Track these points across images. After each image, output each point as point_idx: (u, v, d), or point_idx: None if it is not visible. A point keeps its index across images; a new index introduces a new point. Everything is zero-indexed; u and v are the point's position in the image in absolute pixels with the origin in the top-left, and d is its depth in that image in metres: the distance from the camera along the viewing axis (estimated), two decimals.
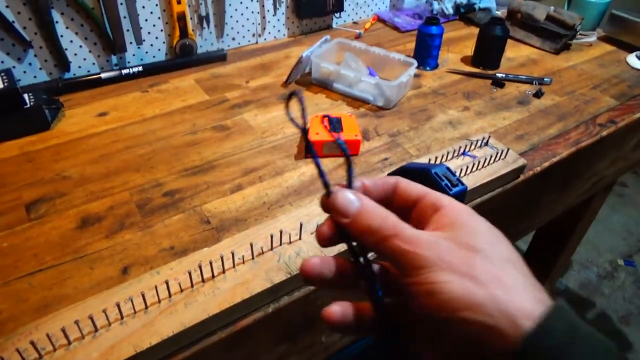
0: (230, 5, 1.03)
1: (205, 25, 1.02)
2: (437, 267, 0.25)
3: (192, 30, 1.00)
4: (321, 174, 0.29)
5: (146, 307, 0.46)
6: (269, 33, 1.13)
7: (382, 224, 0.27)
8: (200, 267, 0.49)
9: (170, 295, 0.48)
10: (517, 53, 1.12)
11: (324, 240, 0.30)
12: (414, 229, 0.27)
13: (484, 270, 0.25)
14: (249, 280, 0.50)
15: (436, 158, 0.68)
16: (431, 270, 0.25)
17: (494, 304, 0.24)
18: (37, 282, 0.52)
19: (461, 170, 0.66)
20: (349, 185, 0.30)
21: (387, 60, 0.95)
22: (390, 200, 0.31)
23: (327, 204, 0.29)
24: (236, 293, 0.49)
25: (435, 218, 0.29)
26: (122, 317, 0.45)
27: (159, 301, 0.47)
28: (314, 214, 0.60)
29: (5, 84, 0.73)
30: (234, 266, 0.51)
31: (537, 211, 0.91)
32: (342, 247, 0.33)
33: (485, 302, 0.24)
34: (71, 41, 0.89)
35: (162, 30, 0.98)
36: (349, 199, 0.29)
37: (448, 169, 0.60)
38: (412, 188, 0.31)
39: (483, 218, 0.29)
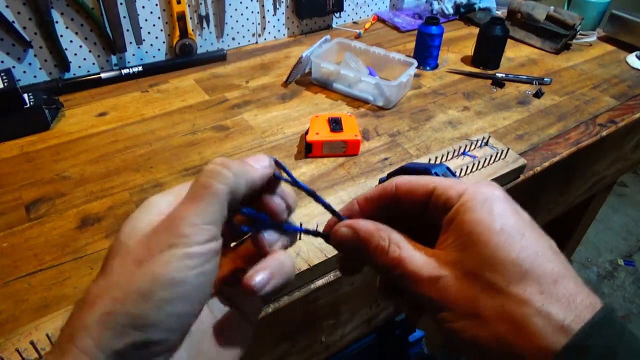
0: (230, 5, 1.03)
1: (205, 25, 1.02)
2: (442, 307, 0.24)
3: (192, 30, 1.00)
4: (308, 232, 0.30)
5: None
6: (269, 33, 1.13)
7: (386, 260, 0.26)
8: None
9: None
10: (517, 53, 1.12)
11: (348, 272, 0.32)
12: (416, 259, 0.25)
13: (488, 305, 0.22)
14: None
15: (436, 158, 0.68)
16: (439, 311, 0.24)
17: (499, 348, 0.22)
18: (37, 282, 0.52)
19: (461, 170, 0.66)
20: (337, 217, 0.30)
21: (387, 60, 0.95)
22: (397, 205, 0.29)
23: (335, 246, 0.29)
24: None
25: (445, 224, 0.26)
26: None
27: None
28: (313, 214, 0.60)
29: (5, 84, 0.73)
30: None
31: (537, 211, 0.91)
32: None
33: (490, 346, 0.22)
34: (71, 41, 0.89)
35: (162, 30, 0.98)
36: (343, 234, 0.28)
37: (448, 169, 0.60)
38: (415, 186, 0.28)
39: (505, 207, 0.25)
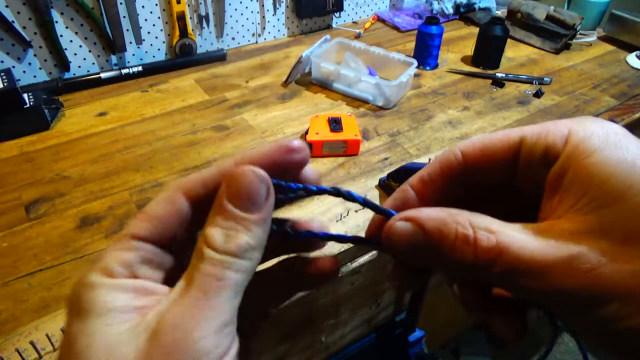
0: (230, 4, 1.03)
1: (205, 25, 1.02)
2: (601, 299, 0.16)
3: (192, 30, 1.00)
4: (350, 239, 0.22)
5: None
6: (269, 33, 1.13)
7: (476, 255, 0.18)
8: None
9: None
10: (517, 53, 1.12)
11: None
12: (526, 242, 0.17)
13: None
14: None
15: None
16: (597, 307, 0.16)
17: None
18: (36, 282, 0.52)
19: None
20: (383, 213, 0.22)
21: (387, 60, 0.95)
22: (468, 180, 0.21)
23: (391, 251, 0.21)
24: None
25: (552, 183, 0.18)
26: None
27: None
28: (314, 214, 0.60)
29: (5, 83, 0.73)
30: None
31: None
32: None
33: None
34: (71, 41, 0.89)
35: (161, 30, 0.98)
36: (403, 230, 0.20)
37: None
38: (491, 145, 0.20)
39: (636, 141, 0.17)
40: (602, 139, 0.17)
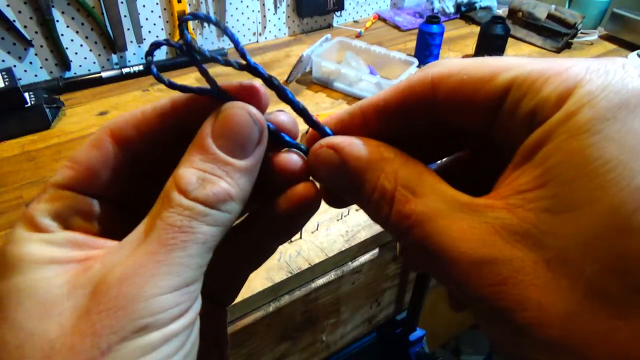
0: (230, 4, 1.03)
1: (205, 24, 1.02)
2: (505, 319, 0.13)
3: (193, 29, 1.00)
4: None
5: None
6: (270, 32, 1.13)
7: (389, 216, 0.15)
8: None
9: None
10: (518, 52, 1.12)
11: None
12: (448, 221, 0.14)
13: (620, 340, 0.11)
14: (249, 279, 0.50)
15: None
16: (497, 324, 0.13)
17: None
18: None
19: None
20: (320, 130, 0.19)
21: (388, 59, 0.95)
22: (434, 118, 0.16)
23: (312, 175, 0.19)
24: None
25: (526, 151, 0.13)
26: None
27: None
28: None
29: (6, 83, 0.73)
30: None
31: None
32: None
33: None
34: (72, 40, 0.89)
35: (162, 29, 0.98)
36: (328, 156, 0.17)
37: None
38: (473, 77, 0.15)
39: None
40: (613, 107, 0.12)
